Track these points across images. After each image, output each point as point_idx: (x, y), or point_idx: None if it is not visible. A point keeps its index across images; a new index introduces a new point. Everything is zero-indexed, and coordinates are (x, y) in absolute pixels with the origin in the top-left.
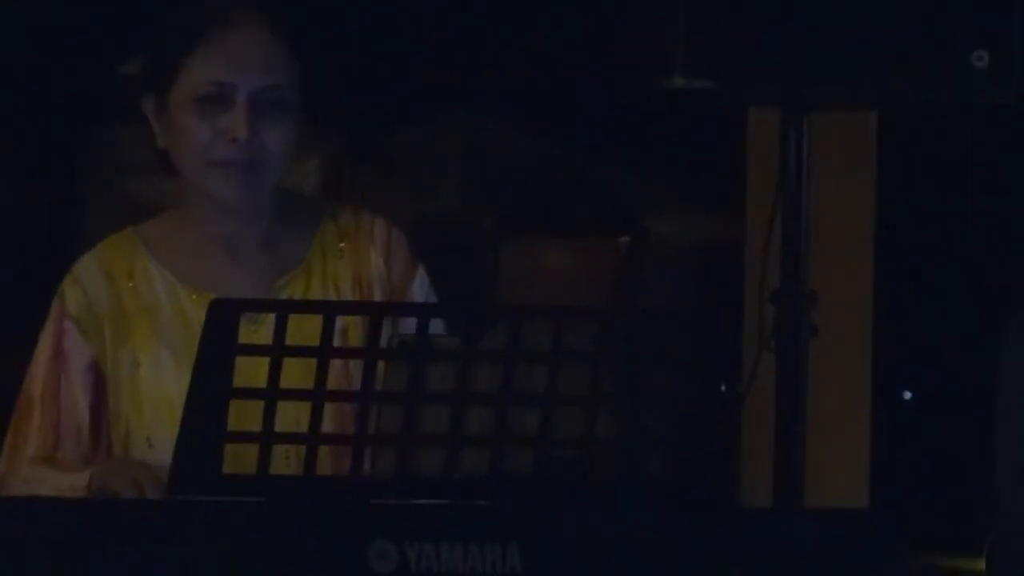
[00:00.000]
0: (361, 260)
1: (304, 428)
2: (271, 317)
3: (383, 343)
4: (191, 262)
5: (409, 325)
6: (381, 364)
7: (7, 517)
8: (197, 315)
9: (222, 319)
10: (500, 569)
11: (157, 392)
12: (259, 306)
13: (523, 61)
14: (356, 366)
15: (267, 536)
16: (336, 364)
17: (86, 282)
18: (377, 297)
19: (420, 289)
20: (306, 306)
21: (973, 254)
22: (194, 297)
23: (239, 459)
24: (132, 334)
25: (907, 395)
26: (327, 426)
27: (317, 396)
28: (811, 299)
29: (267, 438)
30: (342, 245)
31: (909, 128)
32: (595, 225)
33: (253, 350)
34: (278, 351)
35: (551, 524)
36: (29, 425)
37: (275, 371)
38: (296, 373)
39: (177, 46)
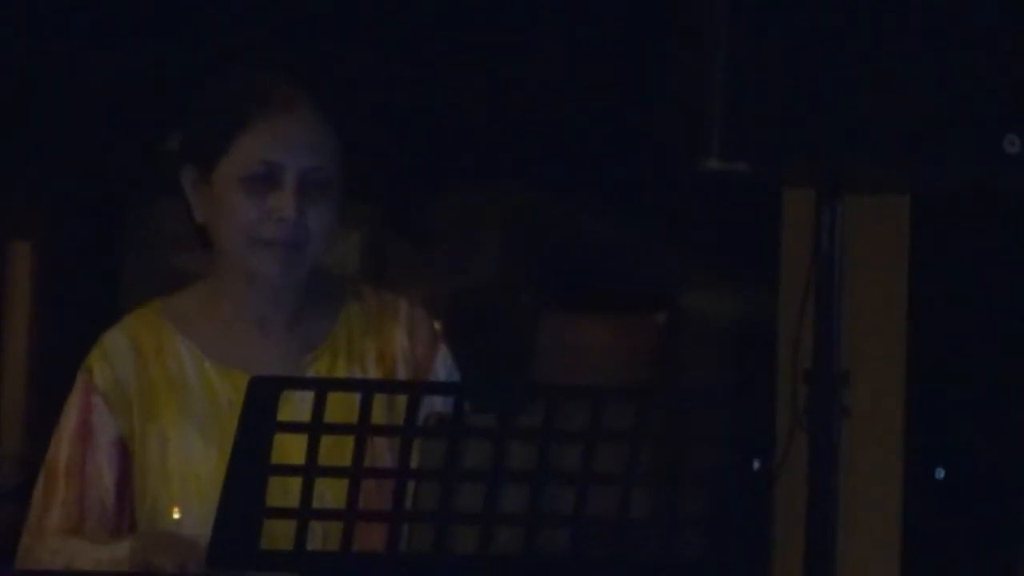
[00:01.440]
0: (386, 337)
1: (325, 503)
2: (296, 393)
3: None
4: (219, 337)
5: (433, 401)
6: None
7: None
8: (224, 390)
9: (262, 397)
10: None
11: (185, 467)
12: (299, 384)
13: (562, 139)
14: (379, 440)
15: None
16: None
17: (114, 357)
18: (401, 373)
19: (443, 366)
20: (346, 384)
21: (1006, 335)
22: (221, 373)
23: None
24: (160, 409)
25: (940, 474)
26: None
27: (355, 473)
28: (844, 378)
29: (305, 514)
30: (367, 322)
31: (942, 209)
32: (631, 301)
33: (293, 427)
34: (317, 429)
35: None
36: (53, 498)
37: (313, 448)
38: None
39: (228, 123)
